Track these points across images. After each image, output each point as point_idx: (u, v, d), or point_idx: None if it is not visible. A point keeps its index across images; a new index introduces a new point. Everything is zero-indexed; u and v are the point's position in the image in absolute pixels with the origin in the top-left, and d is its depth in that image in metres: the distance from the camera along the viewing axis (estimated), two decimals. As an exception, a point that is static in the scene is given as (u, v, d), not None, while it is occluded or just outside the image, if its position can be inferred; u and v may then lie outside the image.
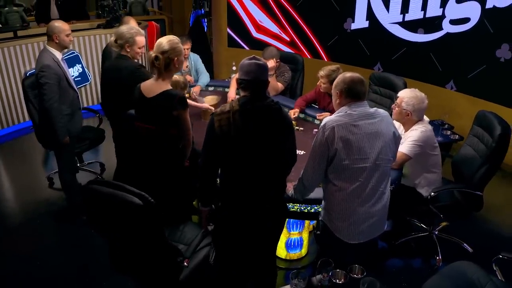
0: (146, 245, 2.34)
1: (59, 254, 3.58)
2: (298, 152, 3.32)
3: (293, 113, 4.03)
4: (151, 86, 2.79)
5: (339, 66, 3.84)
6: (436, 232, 3.61)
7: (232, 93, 4.53)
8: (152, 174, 2.90)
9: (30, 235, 3.82)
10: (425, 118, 3.26)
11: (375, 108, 2.47)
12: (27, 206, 4.25)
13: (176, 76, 3.21)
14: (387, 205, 2.52)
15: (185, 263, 2.48)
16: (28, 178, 4.81)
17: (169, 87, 2.80)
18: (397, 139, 2.47)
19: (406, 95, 3.15)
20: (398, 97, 3.21)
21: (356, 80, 2.39)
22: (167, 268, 2.44)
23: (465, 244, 3.56)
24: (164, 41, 2.76)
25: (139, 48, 3.42)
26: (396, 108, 3.20)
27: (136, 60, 3.51)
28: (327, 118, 2.38)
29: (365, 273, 2.24)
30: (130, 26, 3.45)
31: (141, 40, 3.44)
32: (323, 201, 2.55)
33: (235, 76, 4.67)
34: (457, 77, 5.26)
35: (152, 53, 2.74)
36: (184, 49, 4.75)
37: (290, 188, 2.63)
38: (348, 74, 2.44)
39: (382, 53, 5.95)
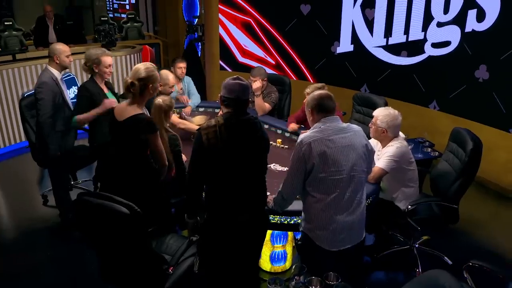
0: (133, 253, 2.46)
1: (52, 269, 3.68)
2: (281, 168, 3.48)
3: (293, 128, 4.29)
4: (123, 110, 2.87)
5: (324, 84, 4.00)
6: (417, 245, 3.73)
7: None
8: (130, 191, 2.93)
9: (24, 250, 3.92)
10: (401, 134, 3.44)
11: (347, 123, 2.63)
12: (21, 222, 4.37)
13: (159, 100, 3.29)
14: (364, 213, 2.65)
15: (170, 270, 2.58)
16: (24, 196, 4.93)
17: (139, 111, 2.87)
18: (370, 151, 2.62)
19: (381, 113, 3.33)
20: (373, 116, 3.39)
21: (324, 96, 2.58)
22: (152, 276, 2.55)
23: (445, 257, 3.67)
24: (142, 68, 2.85)
25: (106, 67, 3.74)
26: (373, 126, 3.38)
27: (106, 80, 3.86)
28: (303, 135, 2.55)
29: (339, 280, 2.37)
30: (97, 48, 3.74)
31: (106, 59, 3.75)
32: (303, 213, 2.67)
33: None
34: (440, 97, 5.46)
35: (129, 79, 2.82)
36: (181, 68, 5.01)
37: (270, 201, 2.77)
38: (317, 92, 2.64)
39: (368, 75, 6.18)
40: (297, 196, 2.69)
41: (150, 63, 3.01)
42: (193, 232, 2.73)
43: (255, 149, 2.48)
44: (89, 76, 3.89)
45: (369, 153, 2.62)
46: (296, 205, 2.75)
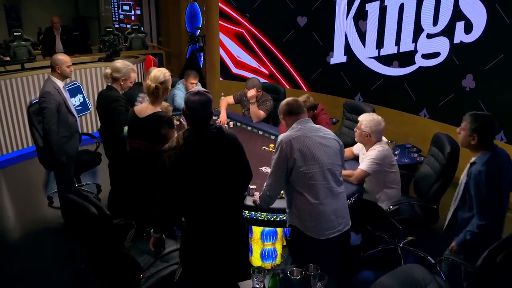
0: (105, 253, 2.63)
1: (56, 267, 3.89)
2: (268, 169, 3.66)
3: None
4: (144, 108, 3.22)
5: (308, 95, 4.21)
6: (401, 245, 3.92)
7: (223, 117, 5.00)
8: (143, 187, 3.22)
9: (29, 249, 4.15)
10: (384, 139, 3.65)
11: (319, 125, 2.91)
12: (27, 223, 4.61)
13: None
14: (346, 201, 2.89)
15: (141, 276, 2.74)
16: (30, 198, 5.19)
17: (159, 109, 3.22)
18: (341, 147, 2.88)
19: (365, 119, 3.56)
20: (358, 121, 3.62)
21: (292, 102, 2.87)
22: (125, 277, 2.70)
23: (429, 257, 3.84)
24: (160, 74, 3.21)
25: (131, 82, 3.91)
26: (357, 131, 3.60)
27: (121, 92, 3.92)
28: (282, 135, 2.78)
29: (318, 271, 2.58)
30: (125, 62, 3.91)
31: (134, 75, 3.92)
32: (289, 208, 2.85)
33: (224, 99, 5.11)
34: (429, 105, 5.66)
35: (152, 84, 3.16)
36: (193, 83, 5.23)
37: (256, 198, 3.00)
38: (285, 100, 2.92)
39: (362, 84, 6.40)
40: (282, 193, 2.93)
41: (164, 68, 3.35)
42: (156, 247, 2.77)
43: (221, 160, 2.48)
44: (106, 84, 3.96)
45: (341, 148, 2.88)
46: (281, 203, 2.98)
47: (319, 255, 2.77)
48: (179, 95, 5.25)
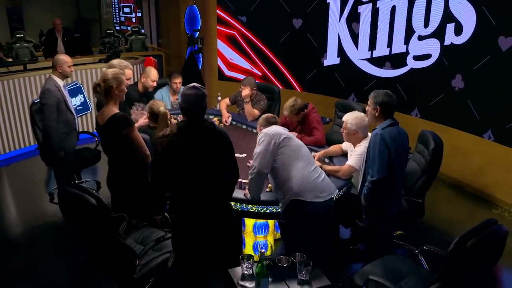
0: (102, 241, 2.75)
1: (57, 261, 4.02)
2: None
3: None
4: (102, 115, 3.21)
5: (296, 97, 4.37)
6: (389, 239, 4.06)
7: (225, 115, 5.22)
8: (122, 185, 3.35)
9: (31, 243, 4.29)
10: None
11: None
12: (30, 218, 4.75)
13: (162, 108, 3.73)
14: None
15: (137, 263, 2.86)
16: (32, 194, 5.34)
17: (115, 111, 3.19)
18: None
19: (349, 117, 3.71)
20: (343, 121, 3.76)
21: (270, 117, 3.43)
22: (121, 265, 2.83)
23: (416, 251, 3.98)
24: (109, 72, 3.22)
25: (127, 78, 4.00)
26: (344, 131, 3.75)
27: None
28: (264, 130, 3.13)
29: (304, 258, 2.73)
30: (120, 60, 4.08)
31: (129, 72, 4.08)
32: (283, 188, 3.07)
33: (222, 101, 5.29)
34: (421, 105, 5.81)
35: (96, 81, 3.21)
36: (176, 83, 5.41)
37: (247, 192, 3.16)
38: (265, 116, 3.40)
39: (355, 85, 6.56)
40: (270, 186, 3.09)
41: (117, 69, 3.36)
42: (163, 227, 3.04)
43: (210, 153, 2.63)
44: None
45: None
46: (270, 195, 3.16)
47: (316, 220, 3.05)
48: (156, 96, 5.39)
